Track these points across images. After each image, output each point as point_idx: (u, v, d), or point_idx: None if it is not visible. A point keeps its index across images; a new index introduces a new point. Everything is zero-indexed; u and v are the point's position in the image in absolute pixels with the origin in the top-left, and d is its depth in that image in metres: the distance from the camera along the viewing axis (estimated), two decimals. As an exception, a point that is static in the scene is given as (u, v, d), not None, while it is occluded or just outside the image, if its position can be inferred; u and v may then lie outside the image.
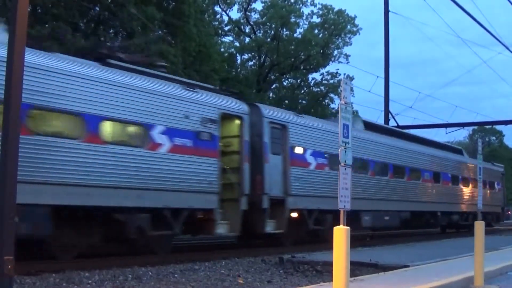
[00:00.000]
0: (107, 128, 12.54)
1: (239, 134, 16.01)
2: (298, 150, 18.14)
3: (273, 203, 16.65)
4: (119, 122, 12.84)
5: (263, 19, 42.62)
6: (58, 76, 11.58)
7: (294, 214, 17.74)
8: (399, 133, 27.24)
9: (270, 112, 17.81)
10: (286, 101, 41.35)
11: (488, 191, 33.37)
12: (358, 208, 19.50)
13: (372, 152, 22.19)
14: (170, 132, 13.69)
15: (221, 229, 15.09)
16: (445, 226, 30.87)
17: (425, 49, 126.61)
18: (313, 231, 18.87)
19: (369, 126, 23.80)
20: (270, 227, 16.59)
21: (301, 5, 42.94)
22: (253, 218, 15.95)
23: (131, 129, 13.19)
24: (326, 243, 13.88)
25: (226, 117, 15.57)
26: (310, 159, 18.56)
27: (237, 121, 16.02)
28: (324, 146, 19.11)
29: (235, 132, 16.07)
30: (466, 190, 31.11)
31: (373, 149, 22.32)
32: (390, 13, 34.23)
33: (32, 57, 10.71)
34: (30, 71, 10.05)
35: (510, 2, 23.22)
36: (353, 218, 17.26)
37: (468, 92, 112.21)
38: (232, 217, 15.29)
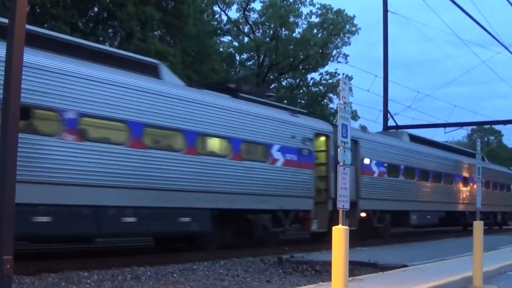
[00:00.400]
0: (244, 148, 16.03)
1: (326, 149, 19.61)
2: (366, 161, 21.87)
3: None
4: (253, 144, 16.48)
5: (262, 19, 42.64)
6: (211, 108, 14.98)
7: (363, 214, 21.45)
8: (435, 143, 30.62)
9: None
10: (285, 101, 41.40)
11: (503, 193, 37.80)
12: (408, 209, 24.41)
13: (417, 161, 25.87)
14: (283, 150, 17.34)
15: (314, 226, 18.52)
16: (469, 225, 32.61)
17: (425, 49, 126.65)
18: (376, 228, 22.53)
19: (414, 139, 27.72)
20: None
21: (300, 5, 43.00)
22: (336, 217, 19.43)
23: (260, 148, 16.76)
24: (325, 243, 14.00)
25: (317, 135, 19.21)
26: (374, 168, 22.37)
27: (324, 138, 19.65)
28: (384, 157, 23.13)
29: (323, 147, 19.62)
30: (487, 192, 32.48)
31: (418, 159, 26.01)
32: (389, 13, 34.19)
33: (185, 92, 14.47)
34: (184, 104, 14.07)
35: (509, 2, 23.25)
36: (404, 217, 24.32)
37: (468, 92, 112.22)
38: (321, 216, 18.77)
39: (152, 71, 14.25)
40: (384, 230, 23.16)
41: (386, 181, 23.14)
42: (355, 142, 20.45)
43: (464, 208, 30.86)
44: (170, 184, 13.51)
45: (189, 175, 14.10)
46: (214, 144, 15.37)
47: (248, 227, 16.56)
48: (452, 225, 32.51)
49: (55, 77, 11.35)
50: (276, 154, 17.08)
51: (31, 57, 10.59)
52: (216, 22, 42.12)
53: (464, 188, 30.94)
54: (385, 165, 23.16)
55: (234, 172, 15.49)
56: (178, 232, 14.53)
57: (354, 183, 20.38)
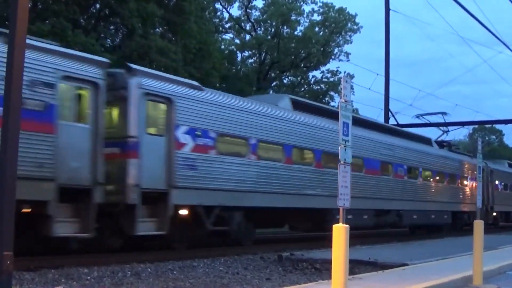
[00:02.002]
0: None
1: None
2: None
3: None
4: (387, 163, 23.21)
5: (264, 16, 42.61)
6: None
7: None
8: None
9: None
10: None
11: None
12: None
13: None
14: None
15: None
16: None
17: (430, 48, 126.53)
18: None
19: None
20: None
21: (302, 2, 42.97)
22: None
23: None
24: (326, 241, 13.98)
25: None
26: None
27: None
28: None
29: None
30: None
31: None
32: (393, 12, 34.26)
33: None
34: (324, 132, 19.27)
35: (510, 1, 23.22)
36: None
37: (473, 91, 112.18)
38: (485, 215, 25.42)
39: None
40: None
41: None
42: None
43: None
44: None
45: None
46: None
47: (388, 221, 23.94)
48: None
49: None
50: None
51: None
52: (217, 20, 42.08)
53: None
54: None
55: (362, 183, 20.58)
56: None
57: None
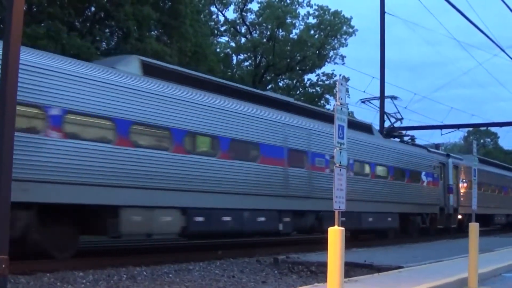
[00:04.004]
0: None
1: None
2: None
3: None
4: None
5: (259, 19, 42.67)
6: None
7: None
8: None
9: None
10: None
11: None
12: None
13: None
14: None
15: None
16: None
17: (432, 52, 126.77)
18: None
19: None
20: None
21: (297, 5, 43.06)
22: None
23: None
24: (321, 243, 13.87)
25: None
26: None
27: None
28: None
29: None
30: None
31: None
32: (392, 16, 34.42)
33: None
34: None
35: (506, 4, 23.30)
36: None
37: (473, 94, 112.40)
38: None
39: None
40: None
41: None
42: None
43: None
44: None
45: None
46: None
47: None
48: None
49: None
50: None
51: None
52: (213, 23, 42.12)
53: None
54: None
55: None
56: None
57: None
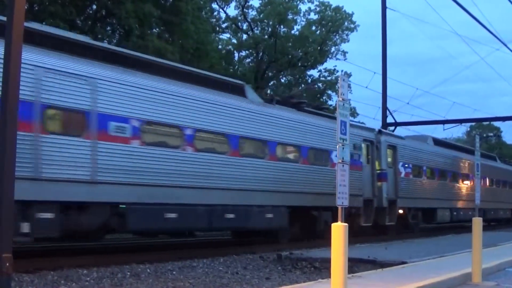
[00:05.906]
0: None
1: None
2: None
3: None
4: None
5: (261, 16, 42.60)
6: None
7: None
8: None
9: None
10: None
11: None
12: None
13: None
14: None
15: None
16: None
17: (438, 47, 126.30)
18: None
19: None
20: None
21: (298, 2, 42.98)
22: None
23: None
24: (324, 239, 13.85)
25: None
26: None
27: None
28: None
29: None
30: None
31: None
32: (395, 11, 34.36)
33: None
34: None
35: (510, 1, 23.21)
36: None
37: (477, 89, 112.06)
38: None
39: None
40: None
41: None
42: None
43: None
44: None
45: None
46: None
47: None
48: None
49: None
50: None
51: None
52: (214, 20, 42.06)
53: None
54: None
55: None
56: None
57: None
